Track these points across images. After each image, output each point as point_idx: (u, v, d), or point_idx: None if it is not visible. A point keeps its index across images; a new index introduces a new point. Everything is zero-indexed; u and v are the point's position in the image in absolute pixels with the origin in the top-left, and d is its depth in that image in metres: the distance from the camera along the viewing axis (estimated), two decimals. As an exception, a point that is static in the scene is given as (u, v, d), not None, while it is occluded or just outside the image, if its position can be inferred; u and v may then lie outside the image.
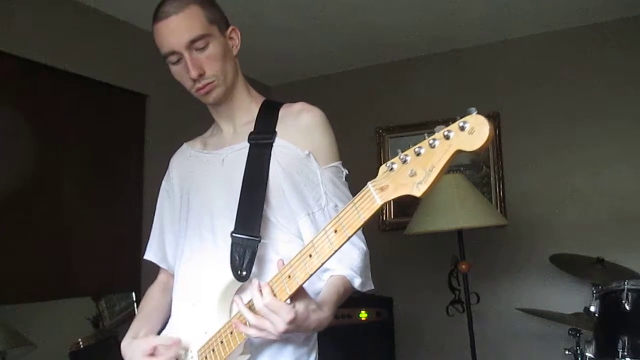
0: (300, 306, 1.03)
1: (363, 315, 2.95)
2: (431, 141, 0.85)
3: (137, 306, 2.60)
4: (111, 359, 2.51)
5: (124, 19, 2.89)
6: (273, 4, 2.77)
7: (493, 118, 3.25)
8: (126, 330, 1.32)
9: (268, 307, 1.01)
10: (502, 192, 3.25)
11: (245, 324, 1.08)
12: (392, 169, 0.90)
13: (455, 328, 2.94)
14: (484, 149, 0.82)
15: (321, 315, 1.08)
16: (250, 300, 1.07)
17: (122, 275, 2.79)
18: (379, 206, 0.92)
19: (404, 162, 0.89)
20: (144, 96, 3.03)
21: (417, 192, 0.87)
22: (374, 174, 0.95)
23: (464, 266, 2.76)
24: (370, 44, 3.34)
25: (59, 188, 2.57)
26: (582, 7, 2.92)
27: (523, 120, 3.18)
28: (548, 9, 2.93)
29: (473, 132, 0.81)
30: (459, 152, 0.84)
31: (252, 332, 1.06)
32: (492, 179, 3.27)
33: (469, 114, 0.82)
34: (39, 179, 2.49)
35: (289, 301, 1.02)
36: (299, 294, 1.03)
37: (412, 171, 0.87)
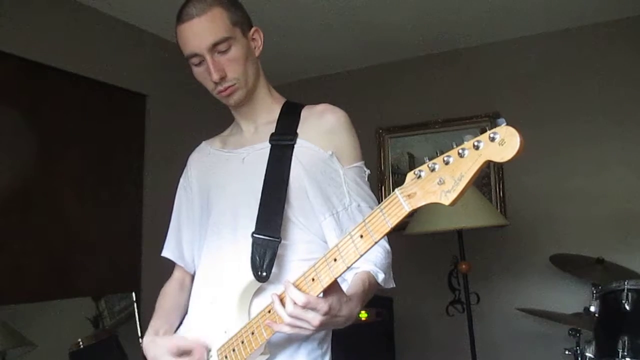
0: (333, 298, 1.03)
1: (363, 315, 2.94)
2: (460, 150, 0.85)
3: (137, 306, 2.62)
4: (111, 359, 2.52)
5: (124, 19, 2.89)
6: (273, 3, 2.77)
7: (493, 118, 3.26)
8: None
9: (305, 307, 1.01)
10: (502, 192, 3.25)
11: (276, 321, 1.08)
12: (420, 176, 0.90)
13: (455, 328, 2.94)
14: (514, 160, 0.82)
15: (351, 306, 1.08)
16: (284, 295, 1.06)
17: (122, 275, 2.80)
18: (407, 213, 0.92)
19: (432, 170, 0.88)
20: (144, 96, 3.03)
21: (446, 201, 0.87)
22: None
23: (464, 266, 2.76)
24: (371, 44, 3.34)
25: (59, 188, 2.57)
26: (582, 7, 2.92)
27: (523, 120, 3.15)
28: (548, 9, 2.93)
29: (503, 143, 0.82)
30: (488, 163, 0.84)
31: (287, 329, 1.05)
32: (492, 179, 3.27)
33: (498, 125, 0.83)
34: (39, 179, 2.49)
35: (321, 295, 1.02)
36: (331, 287, 1.03)
37: (441, 179, 0.87)
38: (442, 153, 0.88)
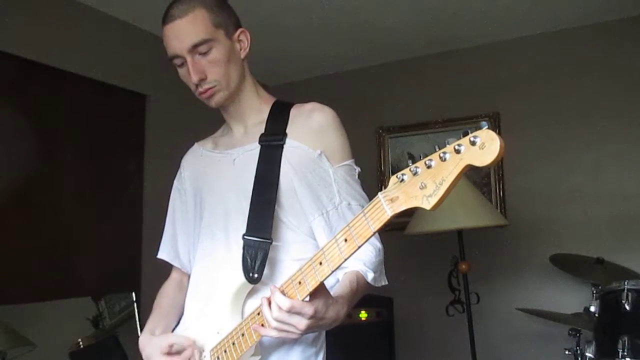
0: (319, 302, 1.03)
1: (363, 315, 2.95)
2: (442, 154, 0.85)
3: (137, 306, 2.62)
4: (111, 359, 2.52)
5: (124, 19, 2.89)
6: (273, 4, 2.77)
7: (493, 118, 3.26)
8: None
9: (290, 311, 1.01)
10: (502, 192, 3.25)
11: (262, 325, 1.09)
12: (402, 180, 0.90)
13: (455, 328, 2.94)
14: (494, 165, 0.81)
15: (338, 308, 1.08)
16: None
17: (122, 275, 2.80)
18: (389, 217, 0.92)
19: (415, 174, 0.88)
20: (144, 96, 3.03)
21: (427, 205, 0.87)
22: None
23: (464, 266, 2.76)
24: (370, 44, 3.34)
25: (59, 188, 2.57)
26: (582, 7, 2.92)
27: (523, 120, 3.18)
28: (548, 9, 2.93)
29: (484, 147, 0.80)
30: (469, 167, 0.83)
31: (274, 334, 1.06)
32: (492, 179, 3.27)
33: (480, 128, 0.82)
34: (39, 179, 2.49)
35: (307, 298, 1.02)
36: (318, 290, 1.03)
37: (423, 184, 0.87)
38: (425, 156, 0.88)
